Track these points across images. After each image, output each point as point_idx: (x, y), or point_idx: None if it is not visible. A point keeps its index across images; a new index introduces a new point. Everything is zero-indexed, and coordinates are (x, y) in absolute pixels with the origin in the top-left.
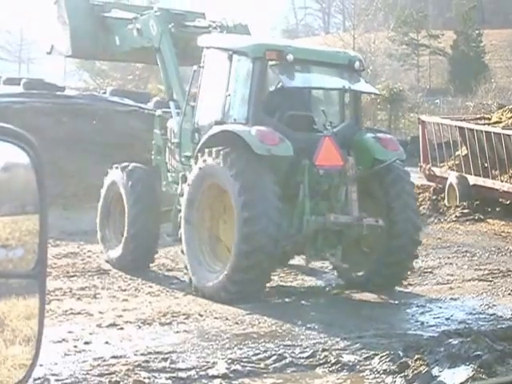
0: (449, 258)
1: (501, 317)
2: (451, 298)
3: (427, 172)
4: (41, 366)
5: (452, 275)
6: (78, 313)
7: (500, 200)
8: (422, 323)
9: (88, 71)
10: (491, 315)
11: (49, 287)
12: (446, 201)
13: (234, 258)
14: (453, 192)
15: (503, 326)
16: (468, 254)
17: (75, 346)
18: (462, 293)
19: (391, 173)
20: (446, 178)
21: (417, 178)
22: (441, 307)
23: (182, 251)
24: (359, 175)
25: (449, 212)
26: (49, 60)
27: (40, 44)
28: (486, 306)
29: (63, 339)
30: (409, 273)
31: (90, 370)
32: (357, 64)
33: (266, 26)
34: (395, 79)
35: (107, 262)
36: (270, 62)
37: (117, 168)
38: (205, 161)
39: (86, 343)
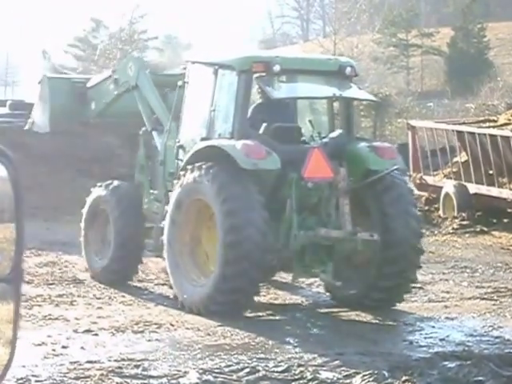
0: (444, 273)
1: (508, 340)
2: (447, 318)
3: (418, 181)
4: (23, 367)
5: (448, 292)
6: (56, 318)
7: (508, 210)
8: (411, 342)
9: None
10: (496, 338)
11: (30, 294)
12: (440, 211)
13: (220, 267)
14: (449, 202)
15: (511, 350)
16: (468, 270)
17: (53, 350)
18: (460, 312)
19: (385, 180)
20: (441, 188)
21: None
22: (434, 326)
23: (166, 271)
24: (352, 187)
25: (444, 224)
26: (29, 82)
27: (23, 67)
28: (490, 328)
29: (43, 342)
30: (412, 285)
31: (67, 373)
32: (348, 70)
33: (243, 37)
34: (381, 84)
35: (92, 276)
36: (256, 74)
37: (100, 186)
38: (190, 176)
39: (64, 347)
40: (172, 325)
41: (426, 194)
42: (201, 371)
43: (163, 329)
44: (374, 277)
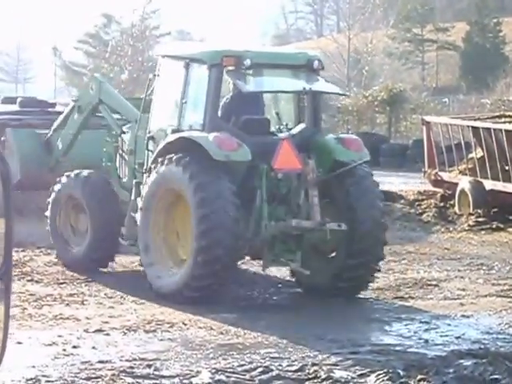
0: (459, 270)
1: None
2: (462, 315)
3: (433, 177)
4: (33, 367)
5: (463, 290)
6: (67, 318)
7: None
8: (427, 341)
9: (76, 87)
10: None
11: (40, 293)
12: (456, 208)
13: (194, 254)
14: (465, 198)
15: None
16: (484, 267)
17: (64, 350)
18: (476, 309)
19: (353, 174)
20: (457, 184)
21: (418, 183)
22: (449, 324)
23: (140, 259)
24: (320, 179)
25: (460, 220)
26: (41, 78)
27: (34, 64)
28: (506, 325)
29: (53, 342)
30: (375, 275)
31: (78, 374)
32: (315, 64)
33: (255, 32)
34: (396, 79)
35: (64, 264)
36: (227, 68)
37: (68, 176)
38: (162, 167)
39: (74, 347)
40: (184, 324)
41: (441, 190)
42: (213, 371)
43: (175, 328)
44: (339, 267)
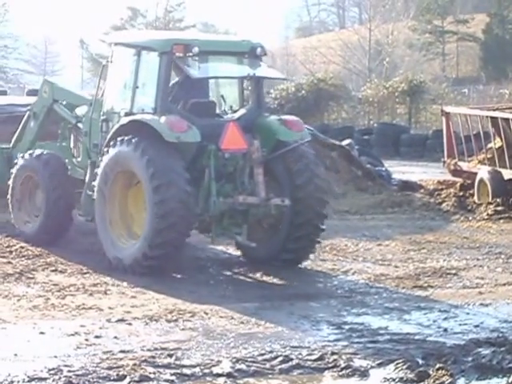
0: (478, 259)
1: None
2: (481, 304)
3: (452, 167)
4: (55, 357)
5: (482, 278)
6: (90, 308)
7: None
8: (445, 330)
9: None
10: None
11: (64, 283)
12: (475, 197)
13: (149, 225)
14: (484, 188)
15: None
16: (502, 256)
17: (86, 340)
18: (495, 298)
19: (295, 152)
20: (476, 173)
21: (438, 173)
22: (468, 313)
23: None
24: (265, 158)
25: (479, 210)
26: (68, 70)
27: (62, 57)
28: None
29: (76, 332)
30: (316, 247)
31: (100, 363)
32: (258, 50)
33: (279, 25)
34: (417, 70)
35: (22, 237)
36: (176, 55)
37: (23, 156)
38: (116, 148)
39: (97, 337)
40: (206, 313)
41: (460, 179)
42: (234, 360)
43: (197, 317)
44: (283, 239)
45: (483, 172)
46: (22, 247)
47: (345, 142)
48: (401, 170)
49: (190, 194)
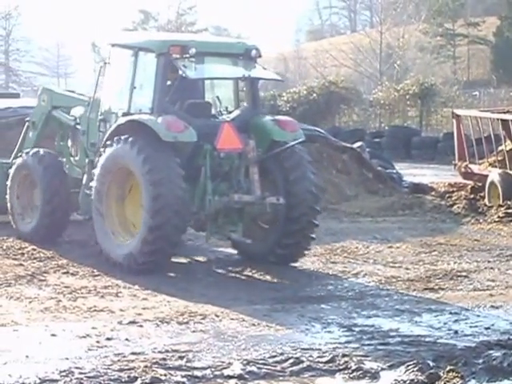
0: (489, 261)
1: None
2: (492, 306)
3: (463, 170)
4: (66, 359)
5: (493, 281)
6: (101, 310)
7: None
8: (456, 332)
9: None
10: None
11: (75, 285)
12: (486, 200)
13: (146, 220)
14: (495, 190)
15: None
16: None
17: (98, 342)
18: (506, 300)
19: (289, 152)
20: (486, 176)
21: (449, 176)
22: (479, 315)
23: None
24: (260, 157)
25: (489, 212)
26: (81, 73)
27: (74, 60)
28: None
29: (87, 334)
30: (311, 243)
31: (111, 365)
32: (253, 52)
33: (291, 28)
34: (428, 73)
35: (19, 236)
36: (173, 56)
37: (21, 155)
38: (113, 147)
39: (108, 339)
40: (217, 315)
41: (471, 182)
42: (245, 362)
43: (208, 319)
44: (278, 236)
45: (494, 174)
46: (33, 249)
47: (356, 145)
48: (412, 173)
49: (185, 191)
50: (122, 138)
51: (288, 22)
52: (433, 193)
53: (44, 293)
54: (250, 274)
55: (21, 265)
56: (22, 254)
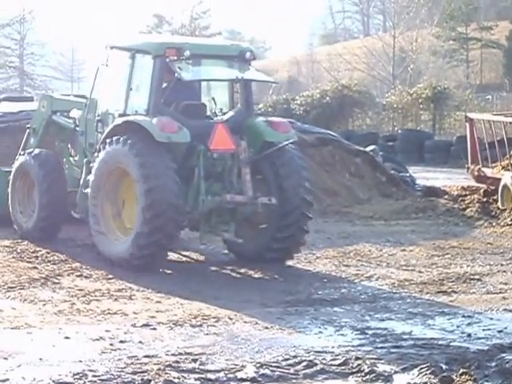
0: (502, 265)
1: None
2: (505, 309)
3: (476, 173)
4: (80, 361)
5: (506, 284)
6: (115, 313)
7: None
8: (469, 335)
9: None
10: None
11: (89, 288)
12: (499, 203)
13: (139, 225)
14: (508, 194)
15: None
16: None
17: (111, 344)
18: None
19: (282, 154)
20: (499, 179)
21: (462, 179)
22: (492, 318)
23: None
24: (252, 158)
25: (502, 215)
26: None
27: (88, 64)
28: None
29: (101, 337)
30: (301, 248)
31: (124, 368)
32: (247, 54)
33: (304, 32)
34: (441, 77)
35: (20, 236)
36: (169, 58)
37: (23, 154)
38: (110, 147)
39: (121, 342)
40: (230, 318)
41: (484, 185)
42: (258, 365)
43: (221, 322)
44: (269, 238)
45: (507, 178)
46: (48, 252)
47: (369, 148)
48: (425, 176)
49: (179, 197)
50: (119, 138)
51: (302, 25)
52: (446, 196)
53: (58, 295)
54: (261, 276)
55: (35, 268)
56: (36, 257)
